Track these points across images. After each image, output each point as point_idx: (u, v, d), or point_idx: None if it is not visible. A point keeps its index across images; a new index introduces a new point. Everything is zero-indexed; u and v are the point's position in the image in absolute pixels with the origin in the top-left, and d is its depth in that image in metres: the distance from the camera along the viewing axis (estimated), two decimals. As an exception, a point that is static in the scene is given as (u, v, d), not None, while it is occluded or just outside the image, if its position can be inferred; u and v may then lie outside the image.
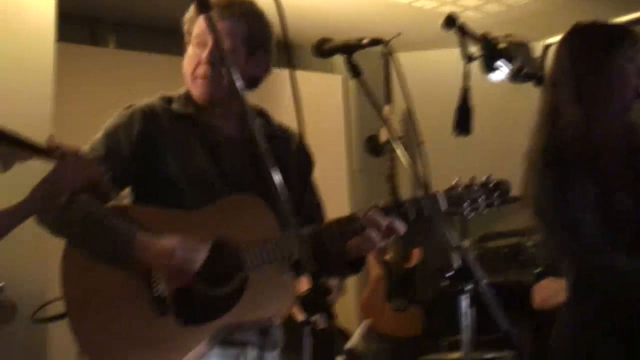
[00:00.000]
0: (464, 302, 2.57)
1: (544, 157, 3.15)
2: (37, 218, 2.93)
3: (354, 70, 2.85)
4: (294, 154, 3.25)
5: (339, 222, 2.99)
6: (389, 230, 3.05)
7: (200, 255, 2.92)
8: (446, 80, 6.39)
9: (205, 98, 3.14)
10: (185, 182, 3.05)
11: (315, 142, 6.07)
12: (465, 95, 3.36)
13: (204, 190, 3.05)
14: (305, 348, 2.29)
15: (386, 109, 6.06)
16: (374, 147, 6.27)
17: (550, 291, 4.29)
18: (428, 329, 5.94)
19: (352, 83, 6.42)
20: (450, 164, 6.12)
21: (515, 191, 5.72)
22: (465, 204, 3.13)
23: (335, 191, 6.63)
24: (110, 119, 3.10)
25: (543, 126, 3.16)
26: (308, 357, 2.31)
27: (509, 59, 3.51)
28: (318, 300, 2.19)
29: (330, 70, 6.58)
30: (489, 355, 4.95)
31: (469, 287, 2.58)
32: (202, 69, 3.12)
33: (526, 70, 3.55)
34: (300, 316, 2.38)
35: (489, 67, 3.55)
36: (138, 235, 2.91)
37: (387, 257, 6.06)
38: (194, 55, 3.10)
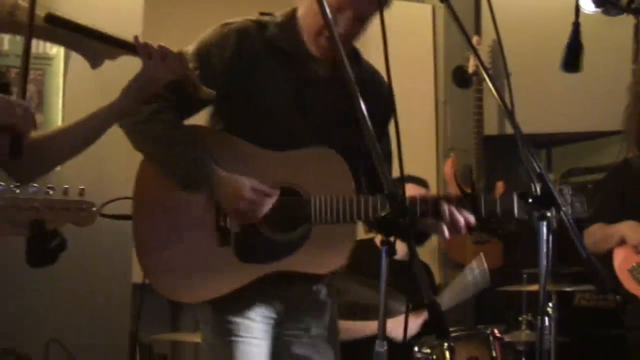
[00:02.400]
0: (544, 228, 2.57)
1: None
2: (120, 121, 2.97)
3: (442, -7, 2.82)
4: (381, 101, 3.22)
5: (414, 201, 3.03)
6: (460, 226, 3.07)
7: (267, 204, 2.95)
8: (536, 12, 6.35)
9: (325, 57, 3.11)
10: (267, 111, 3.05)
11: (402, 72, 6.07)
12: (577, 31, 3.30)
13: (283, 123, 3.06)
14: (382, 271, 2.32)
15: (475, 39, 6.00)
16: (461, 78, 6.22)
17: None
18: (509, 261, 5.94)
19: (441, 13, 6.36)
20: (535, 97, 6.10)
21: (603, 125, 5.66)
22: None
23: (422, 121, 6.62)
24: (204, 34, 3.09)
25: None
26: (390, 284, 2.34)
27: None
28: (397, 222, 2.21)
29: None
30: (570, 288, 4.94)
31: (550, 214, 2.57)
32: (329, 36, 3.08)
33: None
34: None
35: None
36: (214, 172, 2.96)
37: (470, 189, 6.04)
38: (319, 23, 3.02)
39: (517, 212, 3.12)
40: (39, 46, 4.89)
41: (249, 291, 3.04)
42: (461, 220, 3.06)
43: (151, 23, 4.97)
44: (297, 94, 3.11)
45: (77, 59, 2.74)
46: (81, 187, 2.44)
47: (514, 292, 5.18)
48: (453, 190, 5.91)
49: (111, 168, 4.79)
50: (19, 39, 4.57)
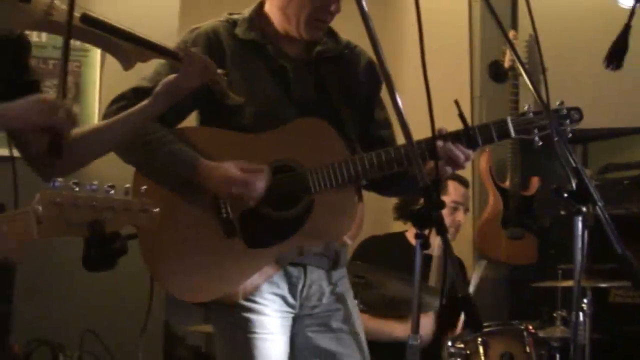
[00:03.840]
0: (579, 223, 2.56)
1: None
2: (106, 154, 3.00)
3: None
4: (362, 72, 3.24)
5: (406, 146, 2.94)
6: (455, 158, 3.04)
7: (258, 187, 2.95)
8: (572, 7, 6.30)
9: (315, 40, 3.17)
10: (252, 108, 3.06)
11: (438, 66, 6.05)
12: (627, 33, 3.31)
13: (270, 114, 3.08)
14: (416, 264, 2.32)
15: (511, 34, 5.96)
16: (497, 72, 6.19)
17: None
18: (543, 257, 5.91)
19: (478, 6, 6.33)
20: (571, 92, 6.05)
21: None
22: (535, 130, 3.09)
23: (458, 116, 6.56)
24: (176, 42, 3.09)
25: None
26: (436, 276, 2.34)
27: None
28: (431, 214, 2.20)
29: (457, -8, 6.51)
30: (605, 285, 4.90)
31: (585, 208, 2.56)
32: (329, 18, 3.13)
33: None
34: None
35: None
36: (199, 162, 2.96)
37: (506, 184, 6.02)
38: (326, 2, 3.09)
39: (513, 132, 3.10)
40: (76, 38, 4.92)
41: (263, 286, 3.05)
42: (460, 155, 3.04)
43: (187, 21, 4.99)
44: (275, 79, 3.14)
45: (114, 50, 2.76)
46: (144, 187, 2.38)
47: (548, 288, 5.14)
48: (488, 186, 5.93)
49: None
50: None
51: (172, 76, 2.80)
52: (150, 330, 4.79)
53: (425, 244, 2.28)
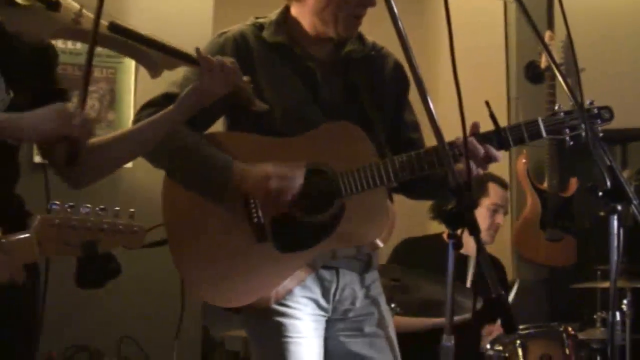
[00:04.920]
0: (614, 222, 2.53)
1: None
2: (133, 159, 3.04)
3: (512, -11, 2.82)
4: (389, 73, 3.24)
5: (436, 148, 2.92)
6: (486, 158, 3.01)
7: (296, 182, 2.95)
8: (607, 7, 6.26)
9: (348, 38, 3.17)
10: (281, 110, 3.06)
11: (474, 67, 6.02)
12: None
13: (299, 117, 3.07)
14: (449, 264, 2.31)
15: (547, 34, 5.93)
16: (534, 73, 6.15)
17: None
18: (582, 259, 5.86)
19: (513, 7, 6.30)
20: (609, 92, 6.00)
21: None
22: (566, 130, 3.07)
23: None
24: (203, 47, 3.12)
25: None
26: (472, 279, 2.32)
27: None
28: (463, 215, 2.19)
29: (492, -6, 6.49)
30: (643, 285, 4.85)
31: (621, 207, 2.54)
32: (363, 12, 3.13)
33: None
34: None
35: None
36: (234, 164, 2.96)
37: (544, 186, 5.98)
38: None
39: (545, 132, 3.08)
40: (110, 45, 4.96)
41: (295, 290, 3.04)
42: (483, 153, 3.02)
43: (220, 25, 5.02)
44: (303, 81, 3.14)
45: (148, 57, 2.78)
46: (131, 210, 2.46)
47: (588, 290, 5.11)
48: (526, 187, 5.89)
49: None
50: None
51: (196, 83, 2.80)
52: (188, 336, 4.83)
53: (457, 244, 2.25)
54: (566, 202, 5.97)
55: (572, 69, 6.00)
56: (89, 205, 2.37)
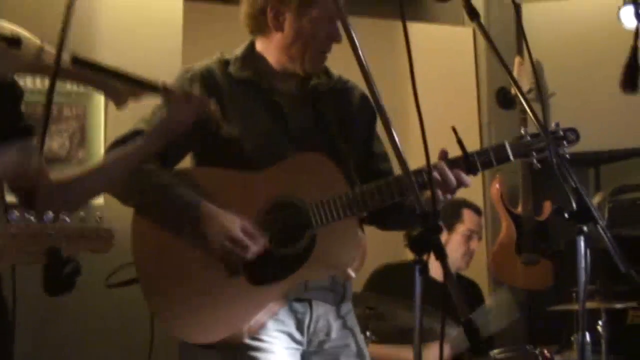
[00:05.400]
0: (582, 243, 2.55)
1: None
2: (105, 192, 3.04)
3: (472, 13, 2.84)
4: (356, 105, 3.26)
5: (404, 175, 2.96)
6: (456, 183, 3.03)
7: (249, 252, 2.95)
8: (580, 30, 6.30)
9: (318, 71, 3.20)
10: (251, 144, 3.06)
11: (445, 94, 6.03)
12: (635, 54, 3.34)
13: (270, 150, 3.08)
14: (417, 290, 2.31)
15: (517, 60, 5.97)
16: (505, 99, 6.18)
17: None
18: (559, 281, 5.87)
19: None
20: (581, 116, 6.03)
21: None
22: (533, 153, 3.11)
23: (467, 143, 6.53)
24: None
25: None
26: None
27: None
28: (429, 239, 2.20)
29: (462, 22, 6.52)
30: (621, 305, 4.85)
31: (587, 228, 2.55)
32: (330, 48, 3.16)
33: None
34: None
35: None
36: (202, 206, 2.96)
37: (518, 210, 6.00)
38: (331, 31, 3.11)
39: (512, 156, 3.12)
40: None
41: (268, 324, 3.04)
42: (452, 179, 3.03)
43: (190, 37, 5.06)
44: (271, 115, 3.15)
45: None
46: (98, 213, 2.46)
47: (565, 312, 5.11)
48: (501, 212, 5.91)
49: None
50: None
51: (163, 113, 2.81)
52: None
53: (424, 269, 2.27)
54: (541, 226, 5.99)
55: (544, 93, 6.07)
56: (50, 213, 2.36)
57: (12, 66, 2.60)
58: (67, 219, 2.38)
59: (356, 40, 2.34)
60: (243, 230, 2.94)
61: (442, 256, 2.22)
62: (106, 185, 2.92)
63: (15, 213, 2.33)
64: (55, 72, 2.52)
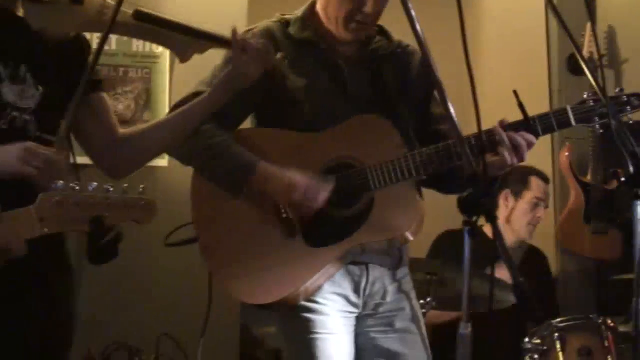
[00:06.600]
0: (638, 207, 2.50)
1: None
2: (168, 149, 3.05)
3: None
4: (416, 69, 3.21)
5: (468, 137, 2.90)
6: (518, 146, 2.98)
7: (319, 199, 2.94)
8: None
9: (357, 39, 3.17)
10: (309, 105, 3.06)
11: (515, 61, 5.95)
12: None
13: (329, 112, 3.07)
14: (466, 251, 2.28)
15: (588, 25, 5.87)
16: (575, 65, 6.06)
17: None
18: (629, 251, 5.78)
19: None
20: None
21: None
22: (595, 118, 3.04)
23: (537, 110, 6.45)
24: None
25: None
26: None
27: None
28: (478, 201, 2.18)
29: (533, -13, 6.43)
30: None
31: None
32: (368, 20, 3.12)
33: None
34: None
35: None
36: (259, 164, 2.95)
37: (587, 178, 5.92)
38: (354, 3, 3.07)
39: (574, 120, 3.08)
40: (145, 45, 4.98)
41: (324, 286, 3.03)
42: (522, 141, 2.98)
43: (255, 20, 5.02)
44: (331, 76, 3.13)
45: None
46: (142, 185, 2.47)
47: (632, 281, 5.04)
48: (570, 180, 5.83)
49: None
50: (126, 38, 4.68)
51: (229, 67, 2.80)
52: (226, 334, 4.84)
53: (473, 231, 2.25)
54: (610, 194, 5.89)
55: (615, 59, 5.96)
56: (95, 183, 2.40)
57: (74, 23, 2.61)
58: (111, 188, 2.41)
59: (411, 11, 2.32)
60: (306, 183, 2.95)
61: (492, 219, 2.19)
62: (169, 142, 2.93)
63: (60, 182, 2.36)
64: (110, 26, 2.50)
